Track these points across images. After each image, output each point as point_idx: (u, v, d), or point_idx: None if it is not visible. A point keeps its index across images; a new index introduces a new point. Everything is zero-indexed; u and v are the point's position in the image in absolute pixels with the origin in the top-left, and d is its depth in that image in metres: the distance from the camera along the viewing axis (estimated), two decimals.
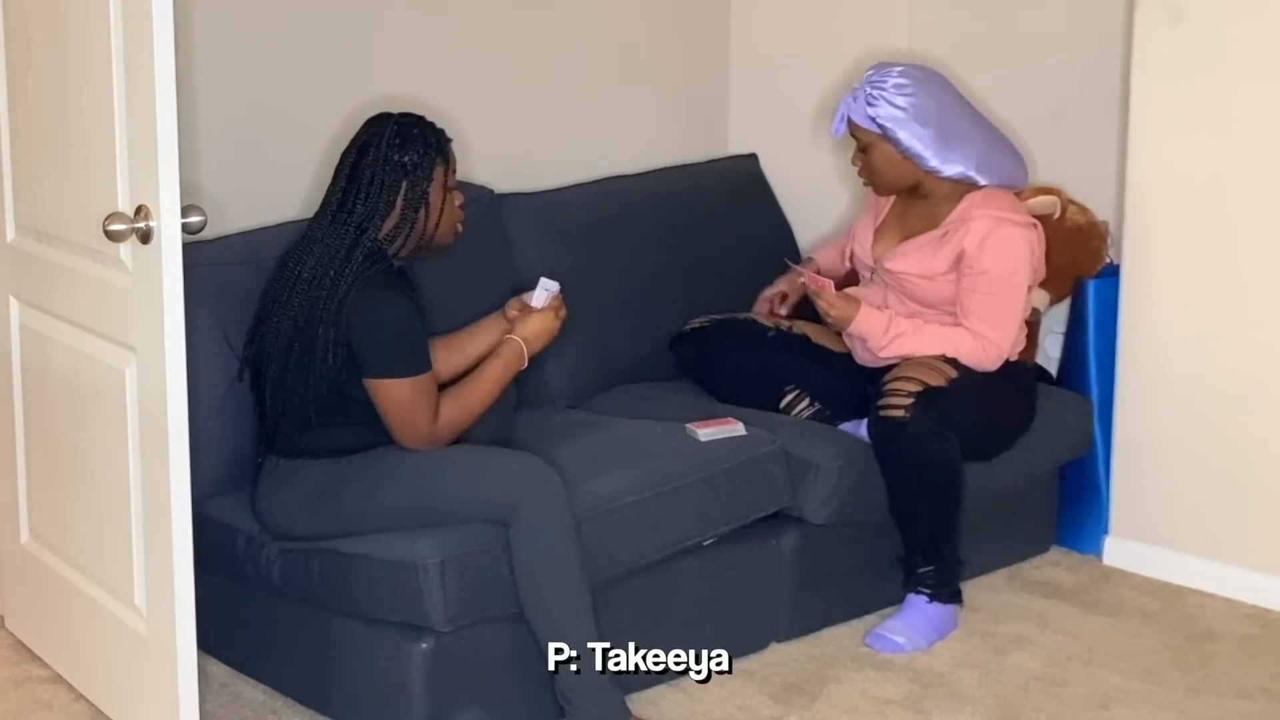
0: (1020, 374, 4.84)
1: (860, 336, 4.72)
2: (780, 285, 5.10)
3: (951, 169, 4.67)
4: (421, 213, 4.03)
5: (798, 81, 5.66)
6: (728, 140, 5.90)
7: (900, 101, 4.61)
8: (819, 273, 4.99)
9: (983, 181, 4.72)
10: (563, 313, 4.27)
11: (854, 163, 4.75)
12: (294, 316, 3.96)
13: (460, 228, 4.18)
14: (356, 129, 4.11)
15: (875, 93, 4.61)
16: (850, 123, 4.68)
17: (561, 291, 4.30)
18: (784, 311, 5.05)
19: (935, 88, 4.70)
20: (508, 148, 5.18)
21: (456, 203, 4.13)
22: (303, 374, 3.95)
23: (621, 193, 5.29)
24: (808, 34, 5.75)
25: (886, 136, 4.63)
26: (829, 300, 4.70)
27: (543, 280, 4.29)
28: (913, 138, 4.62)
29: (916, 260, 4.71)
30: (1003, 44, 5.48)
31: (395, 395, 3.93)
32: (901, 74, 4.64)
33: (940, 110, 4.68)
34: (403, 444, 3.98)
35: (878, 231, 4.88)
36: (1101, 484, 5.19)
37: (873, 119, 4.62)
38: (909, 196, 4.78)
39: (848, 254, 4.98)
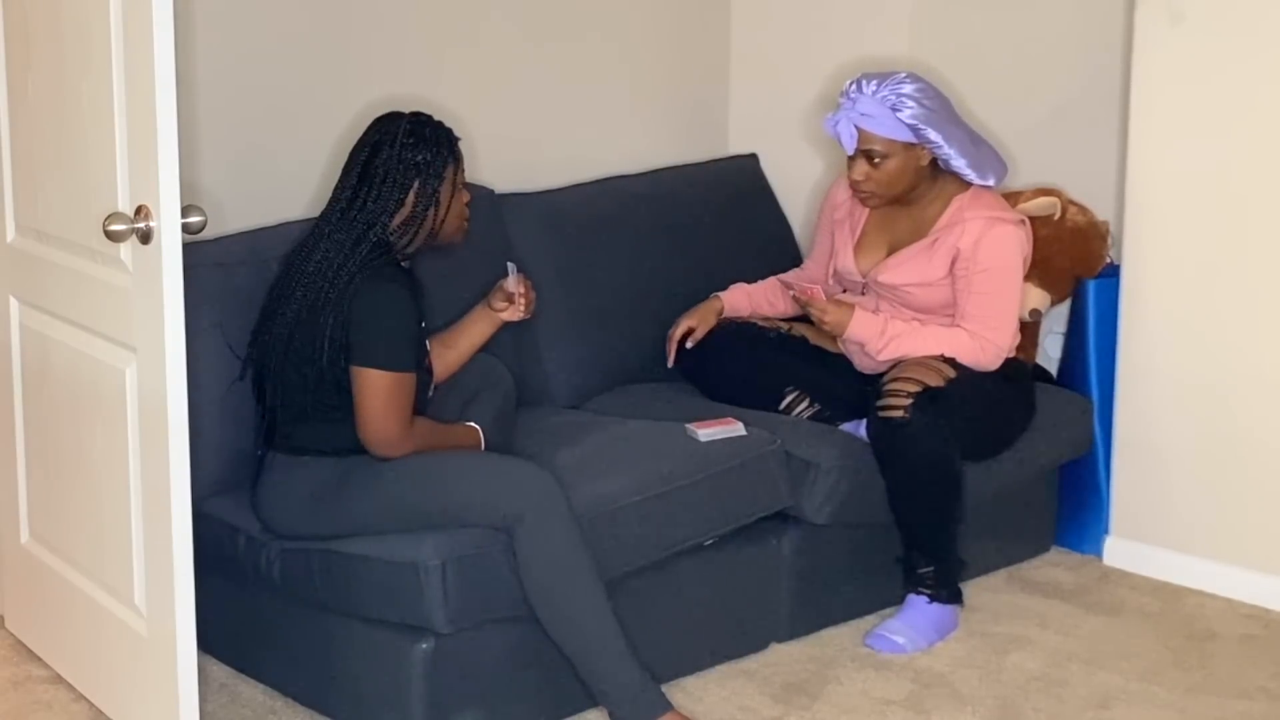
0: (1019, 373, 4.84)
1: (857, 341, 4.71)
2: (686, 321, 4.96)
3: (988, 176, 4.68)
4: (431, 210, 4.05)
5: (798, 81, 5.64)
6: (728, 140, 5.89)
7: (927, 103, 4.59)
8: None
9: (991, 183, 4.73)
10: (531, 295, 4.36)
11: (858, 177, 4.65)
12: (297, 309, 3.97)
13: (466, 225, 4.19)
14: (358, 129, 4.13)
15: (896, 97, 4.56)
16: (864, 135, 4.59)
17: (524, 273, 4.40)
18: (690, 344, 4.94)
19: (941, 94, 4.68)
20: (509, 148, 5.15)
21: (464, 200, 4.15)
22: (302, 363, 3.96)
23: (622, 193, 5.27)
24: (807, 34, 5.73)
25: (920, 140, 4.59)
26: (821, 307, 4.69)
27: (509, 265, 4.39)
28: (946, 139, 4.60)
29: (911, 269, 4.70)
30: (1003, 45, 5.47)
31: (374, 386, 3.91)
32: (909, 78, 4.61)
33: (955, 113, 4.69)
34: (367, 441, 3.95)
35: (858, 246, 4.85)
36: (1101, 484, 5.19)
37: (907, 124, 4.55)
38: (891, 206, 4.75)
39: (830, 273, 4.94)
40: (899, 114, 4.55)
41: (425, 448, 4.01)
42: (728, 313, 4.99)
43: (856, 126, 4.58)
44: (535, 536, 3.87)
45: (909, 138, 4.58)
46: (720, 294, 5.03)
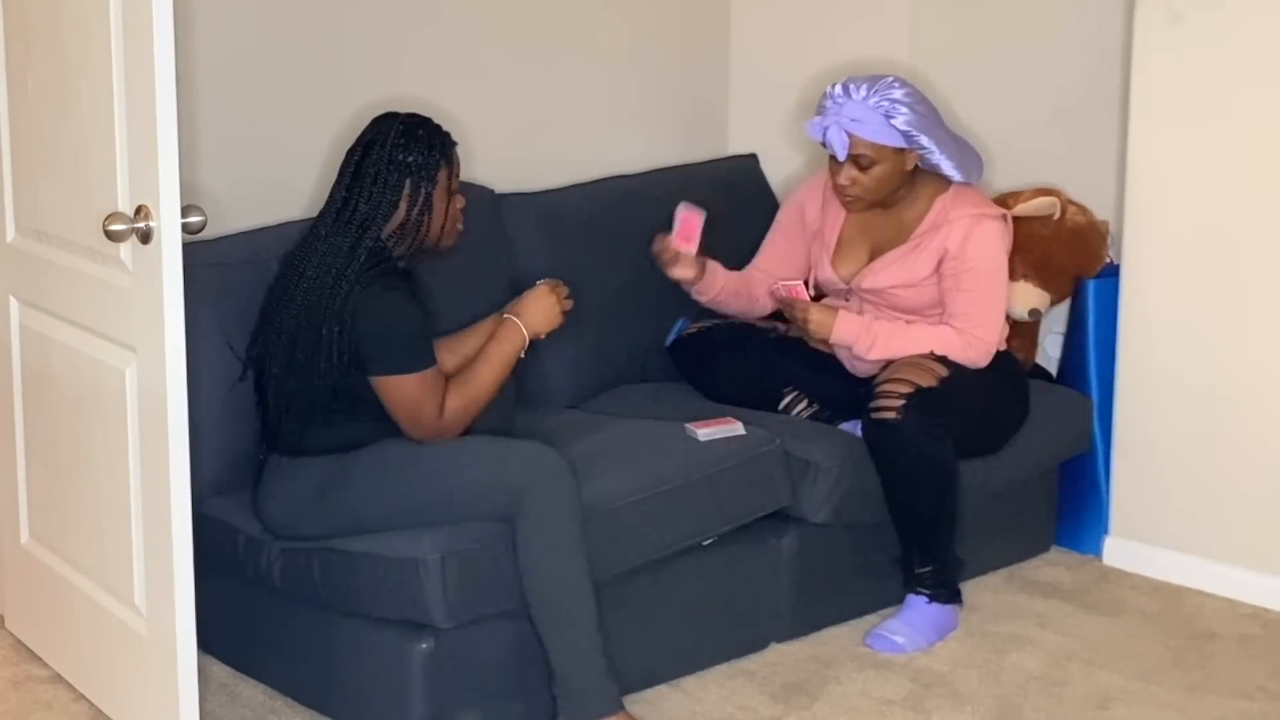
0: (1009, 366, 4.84)
1: (843, 343, 4.70)
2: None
3: (972, 175, 4.69)
4: (425, 215, 4.03)
5: (797, 81, 5.60)
6: (727, 140, 5.89)
7: (919, 108, 4.59)
8: None
9: (974, 181, 4.74)
10: (568, 303, 4.26)
11: (844, 182, 4.63)
12: (297, 315, 3.96)
13: (461, 229, 4.17)
14: (358, 129, 4.11)
15: (890, 104, 4.54)
16: (854, 140, 4.57)
17: (565, 283, 4.30)
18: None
19: (926, 97, 4.68)
20: (508, 148, 5.17)
21: (458, 206, 4.13)
22: (307, 372, 3.95)
23: (622, 193, 5.26)
24: (807, 33, 5.72)
25: (911, 145, 4.58)
26: (804, 307, 4.68)
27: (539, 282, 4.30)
28: (936, 144, 4.60)
29: (896, 272, 4.71)
30: (1003, 44, 5.47)
31: (402, 391, 3.93)
32: (898, 82, 4.59)
33: (939, 116, 4.69)
34: (413, 438, 3.98)
35: (836, 254, 4.84)
36: (1101, 484, 5.19)
37: (901, 130, 4.54)
38: (871, 209, 4.74)
39: (813, 283, 4.88)
40: (892, 120, 4.54)
41: (477, 407, 4.03)
42: (708, 273, 4.86)
43: (847, 132, 4.57)
44: (539, 511, 3.88)
45: (899, 143, 4.58)
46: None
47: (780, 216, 5.05)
